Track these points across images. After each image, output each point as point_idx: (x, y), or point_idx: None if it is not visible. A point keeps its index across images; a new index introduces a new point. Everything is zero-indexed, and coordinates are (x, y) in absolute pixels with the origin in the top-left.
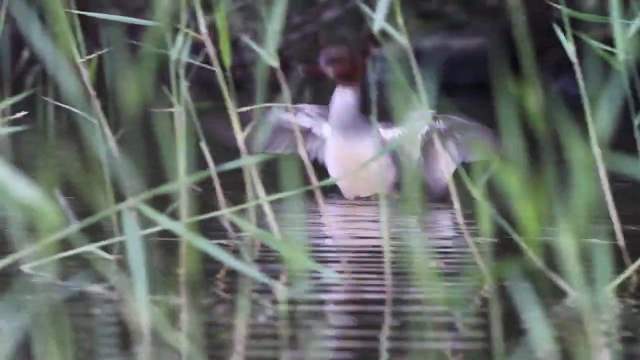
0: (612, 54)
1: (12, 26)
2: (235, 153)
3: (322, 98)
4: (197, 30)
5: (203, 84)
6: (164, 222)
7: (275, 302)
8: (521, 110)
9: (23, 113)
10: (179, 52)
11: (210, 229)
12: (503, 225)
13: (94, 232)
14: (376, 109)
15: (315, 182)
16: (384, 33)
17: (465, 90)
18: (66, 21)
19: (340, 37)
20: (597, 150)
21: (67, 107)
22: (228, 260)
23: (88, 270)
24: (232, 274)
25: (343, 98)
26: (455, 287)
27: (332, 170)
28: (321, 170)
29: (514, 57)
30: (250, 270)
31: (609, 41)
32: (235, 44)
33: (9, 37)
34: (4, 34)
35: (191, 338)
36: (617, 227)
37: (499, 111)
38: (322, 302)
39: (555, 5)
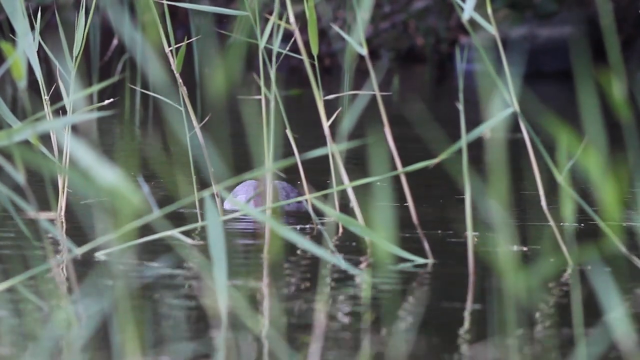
0: None
1: (103, 15)
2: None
3: (410, 83)
4: (286, 19)
5: (291, 72)
6: (246, 208)
7: (357, 287)
8: (604, 97)
9: (110, 100)
10: (267, 41)
11: (293, 213)
12: (586, 210)
13: (178, 218)
14: None
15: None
16: (473, 22)
17: (552, 78)
18: (155, 10)
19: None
20: None
21: (153, 95)
22: (309, 247)
23: (169, 255)
24: (315, 258)
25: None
26: (537, 271)
27: None
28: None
29: (601, 46)
30: (332, 257)
31: None
32: (324, 33)
33: (100, 26)
34: (95, 22)
35: (271, 323)
36: None
37: (580, 97)
38: (404, 289)
39: None
